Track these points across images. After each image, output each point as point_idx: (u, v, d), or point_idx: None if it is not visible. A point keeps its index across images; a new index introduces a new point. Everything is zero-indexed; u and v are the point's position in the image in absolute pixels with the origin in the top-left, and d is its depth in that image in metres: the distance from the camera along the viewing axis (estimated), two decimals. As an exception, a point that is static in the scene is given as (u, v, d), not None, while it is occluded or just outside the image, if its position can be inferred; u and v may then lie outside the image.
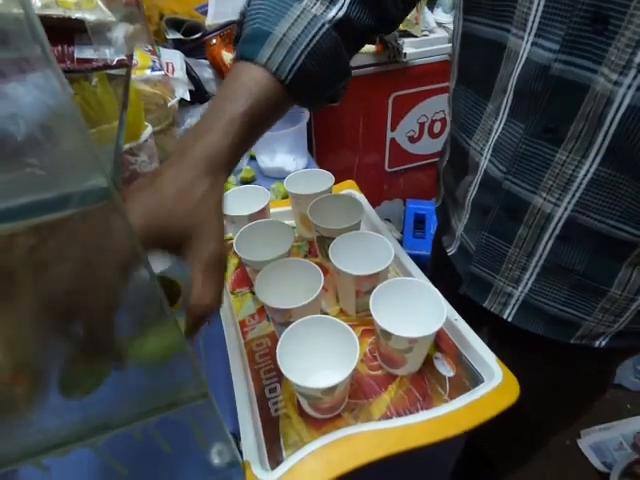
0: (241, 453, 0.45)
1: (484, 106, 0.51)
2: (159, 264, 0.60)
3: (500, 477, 1.05)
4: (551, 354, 0.59)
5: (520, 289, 0.56)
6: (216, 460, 0.45)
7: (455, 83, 0.57)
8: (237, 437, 0.46)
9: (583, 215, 0.46)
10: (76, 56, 0.33)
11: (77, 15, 0.32)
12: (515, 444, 0.80)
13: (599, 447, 1.32)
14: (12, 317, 0.29)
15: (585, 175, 0.43)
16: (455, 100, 0.57)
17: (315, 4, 0.43)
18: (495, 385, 0.49)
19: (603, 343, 0.55)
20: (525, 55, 0.43)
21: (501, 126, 0.49)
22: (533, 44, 0.42)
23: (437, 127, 1.57)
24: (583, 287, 0.51)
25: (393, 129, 1.51)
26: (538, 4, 0.40)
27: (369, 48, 1.27)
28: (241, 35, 0.44)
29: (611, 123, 0.39)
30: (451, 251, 0.66)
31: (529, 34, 0.42)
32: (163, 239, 0.32)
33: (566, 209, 0.46)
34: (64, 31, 0.33)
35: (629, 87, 0.37)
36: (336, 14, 0.43)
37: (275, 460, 0.46)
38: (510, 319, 0.59)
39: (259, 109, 0.39)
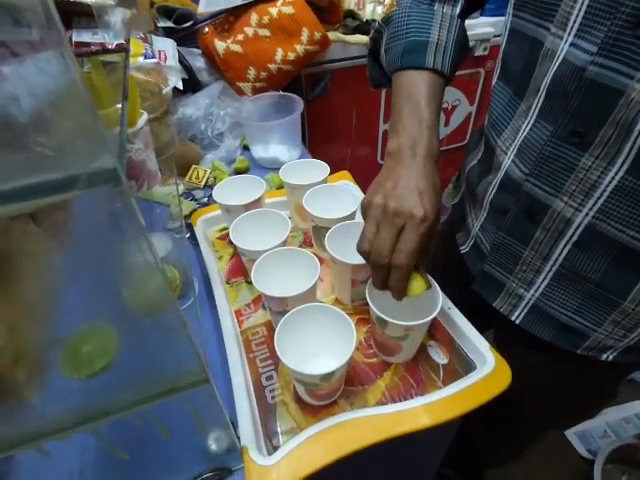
0: (238, 439, 0.45)
1: (517, 105, 0.51)
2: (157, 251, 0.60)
3: (488, 465, 1.07)
4: (555, 359, 0.58)
5: (532, 292, 0.55)
6: (214, 446, 0.45)
7: (496, 79, 0.56)
8: (234, 424, 0.46)
9: (603, 222, 0.45)
10: (74, 40, 0.33)
11: (75, -3, 0.32)
12: (511, 439, 0.81)
13: (584, 435, 1.35)
14: (12, 300, 0.29)
15: (610, 182, 0.42)
16: (493, 96, 0.57)
17: (444, 6, 0.55)
18: (487, 372, 0.51)
19: (610, 357, 0.54)
20: (562, 55, 0.42)
21: (529, 126, 0.49)
22: (572, 45, 0.41)
23: (429, 120, 1.58)
24: (596, 297, 0.50)
25: (385, 121, 1.51)
26: (582, 4, 0.39)
27: (361, 39, 1.26)
28: (382, 46, 0.57)
29: (639, 131, 0.38)
30: (464, 249, 0.65)
31: (569, 34, 0.41)
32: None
33: (587, 215, 0.45)
34: (62, 14, 0.32)
35: None
36: (460, 9, 0.56)
37: (272, 446, 0.47)
38: (518, 321, 0.58)
39: (438, 102, 0.51)
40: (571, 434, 1.36)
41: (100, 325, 0.32)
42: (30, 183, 0.19)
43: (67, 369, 0.30)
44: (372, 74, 0.65)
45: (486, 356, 0.52)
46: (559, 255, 0.50)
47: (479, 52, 1.38)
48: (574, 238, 0.48)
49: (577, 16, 0.40)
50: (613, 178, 0.42)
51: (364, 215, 0.48)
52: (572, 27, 0.41)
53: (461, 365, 0.54)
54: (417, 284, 0.47)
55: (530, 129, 0.48)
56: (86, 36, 0.33)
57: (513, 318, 0.58)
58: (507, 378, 0.50)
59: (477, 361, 0.53)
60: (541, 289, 0.54)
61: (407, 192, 0.45)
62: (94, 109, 0.19)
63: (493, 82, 0.57)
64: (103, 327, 0.32)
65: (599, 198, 0.44)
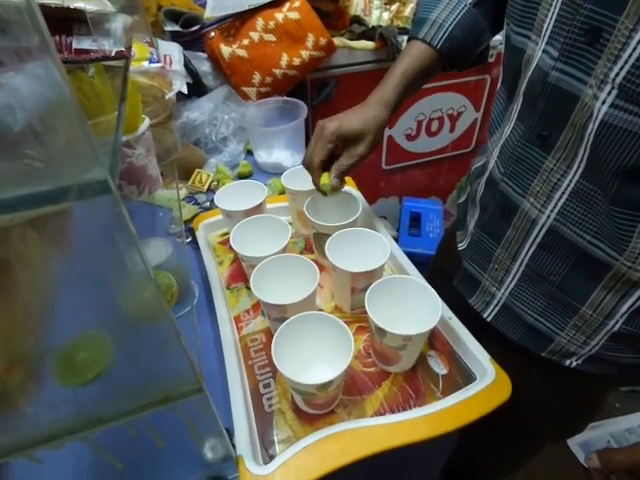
0: (234, 448, 0.45)
1: (507, 109, 0.53)
2: (154, 258, 0.60)
3: (483, 471, 1.05)
4: (532, 363, 0.59)
5: (502, 291, 0.57)
6: (209, 455, 0.45)
7: (499, 85, 0.59)
8: (230, 432, 0.46)
9: (563, 225, 0.47)
10: (74, 47, 0.33)
11: (76, 5, 0.32)
12: (506, 448, 0.80)
13: (587, 444, 1.34)
14: (7, 309, 0.29)
15: (568, 185, 0.44)
16: (494, 101, 0.59)
17: None
18: (487, 383, 0.50)
19: (574, 364, 0.55)
20: (536, 61, 0.44)
21: (509, 129, 0.51)
22: (543, 51, 0.43)
23: (435, 125, 1.57)
24: (558, 300, 0.52)
25: (390, 126, 1.51)
26: (553, 12, 0.41)
27: (367, 45, 1.26)
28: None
29: (589, 136, 0.40)
30: (462, 246, 0.67)
31: (542, 40, 0.43)
32: (344, 136, 0.56)
33: (549, 217, 0.48)
34: (62, 21, 0.32)
35: (603, 102, 0.37)
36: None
37: (268, 455, 0.46)
38: (490, 319, 0.60)
39: (414, 68, 0.58)
40: (574, 444, 1.34)
41: (94, 333, 0.31)
42: (21, 194, 0.19)
43: (60, 377, 0.30)
44: None
45: (486, 367, 0.51)
46: (525, 255, 0.52)
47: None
48: (538, 239, 0.50)
49: (549, 23, 0.42)
50: (570, 181, 0.44)
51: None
52: (545, 34, 0.43)
53: (461, 376, 0.53)
54: (324, 181, 0.60)
55: (510, 132, 0.51)
56: (86, 43, 0.33)
57: (485, 316, 0.61)
58: (507, 390, 0.49)
59: (477, 372, 0.53)
60: (510, 288, 0.56)
61: (340, 115, 0.58)
62: (84, 120, 0.18)
63: (497, 87, 0.59)
64: (97, 335, 0.31)
65: (559, 200, 0.46)
